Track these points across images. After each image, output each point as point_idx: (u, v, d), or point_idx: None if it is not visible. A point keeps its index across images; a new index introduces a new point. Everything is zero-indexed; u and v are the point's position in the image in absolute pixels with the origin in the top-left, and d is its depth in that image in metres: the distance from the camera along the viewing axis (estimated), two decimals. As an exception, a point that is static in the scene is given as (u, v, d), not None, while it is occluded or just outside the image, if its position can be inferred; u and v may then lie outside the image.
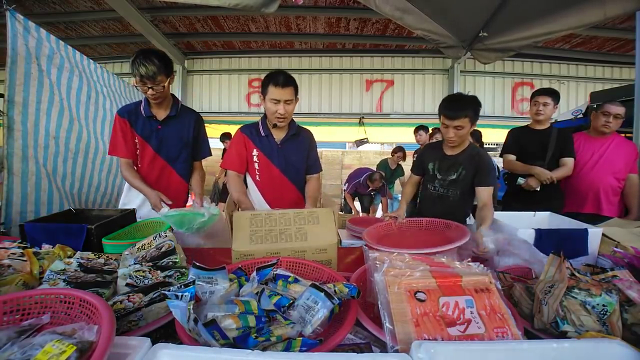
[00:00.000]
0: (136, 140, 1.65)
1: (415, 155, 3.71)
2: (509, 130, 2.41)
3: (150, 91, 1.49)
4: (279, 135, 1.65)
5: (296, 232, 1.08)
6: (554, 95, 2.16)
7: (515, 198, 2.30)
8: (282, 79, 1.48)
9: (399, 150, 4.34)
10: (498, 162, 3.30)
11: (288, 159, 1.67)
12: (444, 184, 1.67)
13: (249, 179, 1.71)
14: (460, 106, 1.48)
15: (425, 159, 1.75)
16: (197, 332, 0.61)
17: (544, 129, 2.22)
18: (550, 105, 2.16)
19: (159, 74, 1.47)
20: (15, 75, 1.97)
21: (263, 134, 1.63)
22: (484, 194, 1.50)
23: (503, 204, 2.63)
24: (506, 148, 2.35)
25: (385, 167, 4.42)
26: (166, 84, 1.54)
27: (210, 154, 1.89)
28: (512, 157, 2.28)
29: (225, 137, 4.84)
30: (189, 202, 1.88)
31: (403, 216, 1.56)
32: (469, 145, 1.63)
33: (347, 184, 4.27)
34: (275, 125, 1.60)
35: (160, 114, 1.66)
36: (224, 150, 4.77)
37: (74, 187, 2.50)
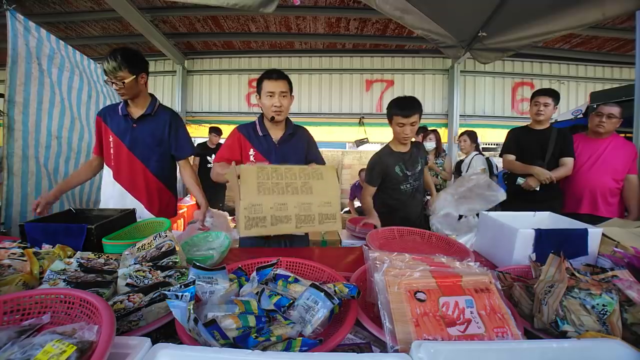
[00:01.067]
0: (110, 139, 1.67)
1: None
2: (508, 130, 2.42)
3: (114, 86, 1.56)
4: (276, 135, 1.65)
5: (302, 185, 1.11)
6: (555, 95, 2.17)
7: (514, 198, 2.30)
8: (275, 72, 1.55)
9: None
10: (498, 162, 3.30)
11: (286, 158, 1.64)
12: (415, 177, 1.88)
13: None
14: (413, 106, 1.72)
15: (387, 167, 1.85)
16: (197, 332, 0.61)
17: (543, 129, 2.22)
18: (551, 105, 2.16)
19: (119, 69, 1.51)
20: (16, 75, 1.97)
21: (261, 134, 1.63)
22: (426, 172, 1.94)
23: (502, 204, 2.63)
24: (506, 148, 2.36)
25: None
26: (128, 81, 1.55)
27: (192, 153, 1.84)
28: (512, 157, 2.29)
29: (213, 130, 4.78)
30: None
31: (379, 223, 1.70)
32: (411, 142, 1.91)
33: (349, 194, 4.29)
34: (272, 119, 1.59)
35: (136, 112, 1.68)
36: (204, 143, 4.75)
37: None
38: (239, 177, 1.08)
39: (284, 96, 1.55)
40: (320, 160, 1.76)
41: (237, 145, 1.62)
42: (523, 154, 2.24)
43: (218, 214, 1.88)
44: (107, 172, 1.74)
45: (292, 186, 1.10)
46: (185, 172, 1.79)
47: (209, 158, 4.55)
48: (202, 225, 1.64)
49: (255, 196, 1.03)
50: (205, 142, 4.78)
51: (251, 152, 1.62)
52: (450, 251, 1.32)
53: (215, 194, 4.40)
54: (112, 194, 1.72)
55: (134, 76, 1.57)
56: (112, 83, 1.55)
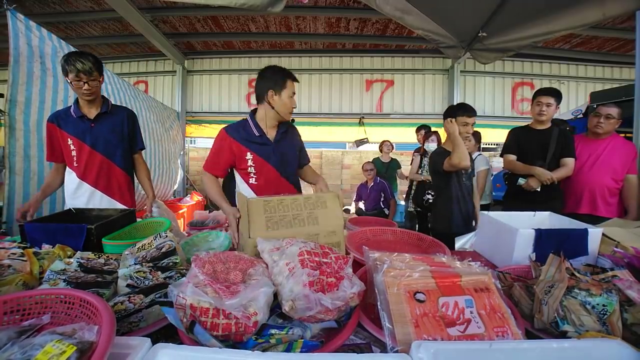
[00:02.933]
0: (70, 142, 1.70)
1: (416, 154, 3.72)
2: (509, 130, 2.41)
3: (85, 86, 1.58)
4: (271, 135, 1.59)
5: (308, 216, 1.11)
6: (557, 95, 2.16)
7: (515, 198, 2.30)
8: (293, 73, 1.53)
9: (386, 142, 4.35)
10: (498, 162, 3.29)
11: (284, 157, 1.61)
12: (468, 176, 2.07)
13: (242, 184, 1.62)
14: (473, 109, 2.01)
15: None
16: (195, 337, 0.61)
17: (545, 129, 2.21)
18: (553, 105, 2.16)
19: (95, 69, 1.59)
20: (18, 75, 1.97)
21: (257, 134, 1.54)
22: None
23: (503, 204, 2.63)
24: (507, 148, 2.35)
25: (379, 164, 4.42)
26: (99, 81, 1.65)
27: (142, 147, 1.94)
28: (513, 157, 2.28)
29: None
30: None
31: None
32: None
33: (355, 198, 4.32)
34: (293, 121, 1.64)
35: (92, 112, 1.72)
36: None
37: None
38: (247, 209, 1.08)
39: None
40: (307, 157, 1.82)
41: (227, 150, 1.54)
42: (524, 154, 2.23)
43: (161, 204, 1.98)
44: (69, 175, 1.76)
45: (298, 218, 1.09)
46: (139, 166, 1.92)
47: None
48: (150, 213, 1.78)
49: (264, 232, 1.02)
50: None
51: (248, 155, 1.54)
52: (423, 247, 1.33)
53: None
54: (79, 194, 1.74)
55: (101, 77, 1.67)
56: (85, 83, 1.57)
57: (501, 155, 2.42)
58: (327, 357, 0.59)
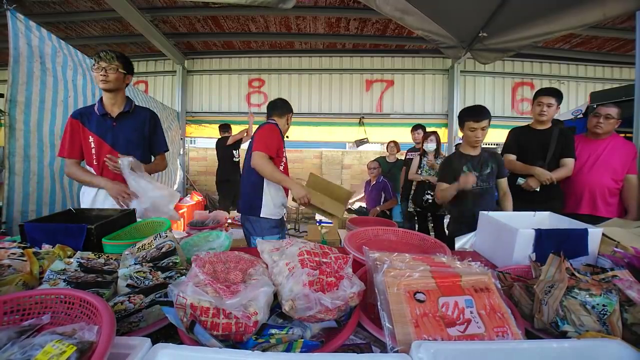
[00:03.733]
0: (91, 139, 1.69)
1: (412, 155, 3.72)
2: (509, 130, 2.41)
3: (102, 72, 1.60)
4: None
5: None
6: (558, 95, 2.16)
7: (514, 198, 2.29)
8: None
9: (391, 142, 4.39)
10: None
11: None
12: (483, 178, 1.97)
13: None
14: (482, 112, 1.88)
15: (456, 165, 2.00)
16: (195, 337, 0.61)
17: (545, 129, 2.21)
18: (554, 106, 2.16)
19: (116, 59, 1.63)
20: (18, 75, 1.97)
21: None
22: (504, 183, 2.02)
23: (503, 204, 2.63)
24: (506, 148, 2.35)
25: (384, 164, 4.43)
26: (118, 72, 1.65)
27: (167, 149, 1.93)
28: (513, 157, 2.28)
29: (224, 128, 4.87)
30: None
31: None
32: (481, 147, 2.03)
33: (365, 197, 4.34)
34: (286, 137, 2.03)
35: (115, 111, 1.72)
36: (220, 139, 4.84)
37: (82, 186, 2.51)
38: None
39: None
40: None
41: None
42: (524, 154, 2.23)
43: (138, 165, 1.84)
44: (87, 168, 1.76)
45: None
46: (157, 165, 1.89)
47: (234, 152, 4.71)
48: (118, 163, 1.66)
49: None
50: (227, 137, 4.78)
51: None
52: (425, 247, 1.32)
53: (234, 192, 4.46)
54: (97, 192, 1.72)
55: (124, 72, 1.68)
56: (103, 69, 1.60)
57: (501, 155, 2.42)
58: (327, 357, 0.59)
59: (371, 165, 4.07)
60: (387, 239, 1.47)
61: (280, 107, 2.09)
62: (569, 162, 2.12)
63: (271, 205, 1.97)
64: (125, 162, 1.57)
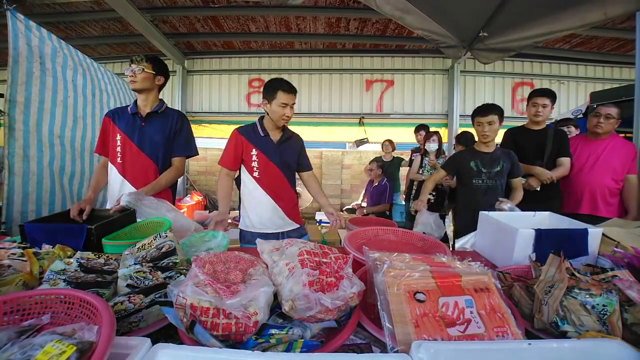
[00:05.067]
0: (118, 137, 1.73)
1: (415, 155, 3.72)
2: (505, 130, 2.41)
3: (130, 73, 1.67)
4: (275, 137, 1.80)
5: None
6: (552, 96, 2.18)
7: (515, 198, 2.30)
8: (288, 85, 1.69)
9: (386, 141, 4.38)
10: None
11: (284, 158, 1.80)
12: (490, 176, 1.98)
13: (246, 176, 1.81)
14: (488, 107, 1.92)
15: (463, 159, 2.05)
16: (195, 337, 0.61)
17: (540, 129, 2.23)
18: (549, 106, 2.17)
19: (144, 60, 1.69)
20: (18, 75, 1.96)
21: (262, 135, 1.76)
22: (517, 183, 2.04)
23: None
24: (505, 147, 2.35)
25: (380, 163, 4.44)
26: (146, 72, 1.69)
27: (190, 153, 1.87)
28: None
29: None
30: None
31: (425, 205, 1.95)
32: (497, 146, 2.04)
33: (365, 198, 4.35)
34: (283, 127, 1.81)
35: (145, 110, 1.77)
36: None
37: (82, 186, 2.52)
38: None
39: (291, 107, 1.71)
40: (309, 164, 1.96)
41: (239, 147, 1.75)
42: (521, 154, 2.23)
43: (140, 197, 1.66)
44: (112, 170, 1.77)
45: None
46: (171, 168, 1.80)
47: None
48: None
49: None
50: None
51: (253, 152, 1.75)
52: (425, 247, 1.33)
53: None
54: (120, 190, 1.71)
55: (154, 73, 1.73)
56: (131, 70, 1.67)
57: None
58: (327, 357, 0.59)
59: (368, 167, 4.12)
60: (387, 239, 1.47)
61: (267, 89, 1.72)
62: (566, 161, 2.14)
63: (247, 219, 1.83)
64: (125, 199, 1.45)
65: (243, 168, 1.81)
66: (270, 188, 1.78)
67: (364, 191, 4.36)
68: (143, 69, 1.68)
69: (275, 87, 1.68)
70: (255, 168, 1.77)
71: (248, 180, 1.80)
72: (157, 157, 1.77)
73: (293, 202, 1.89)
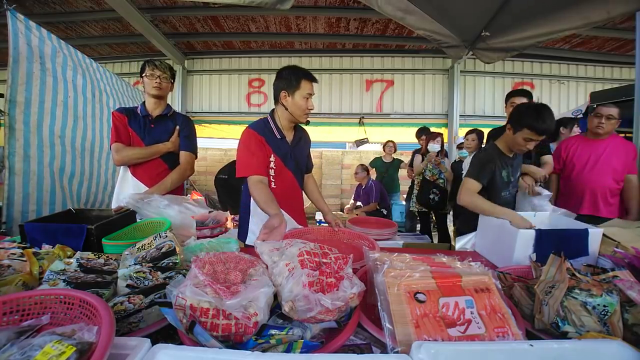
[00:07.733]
0: (130, 137, 1.78)
1: (415, 155, 3.72)
2: (488, 131, 2.41)
3: (156, 80, 1.74)
4: (289, 137, 1.56)
5: None
6: (529, 96, 2.20)
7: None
8: (310, 73, 1.46)
9: (389, 142, 4.42)
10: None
11: (297, 161, 1.60)
12: (515, 184, 1.75)
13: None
14: (550, 126, 1.47)
15: (496, 168, 1.62)
16: (195, 338, 0.61)
17: None
18: None
19: (168, 70, 1.81)
20: (18, 75, 1.96)
21: (278, 137, 1.51)
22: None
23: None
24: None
25: (380, 164, 4.45)
26: (169, 80, 1.81)
27: (190, 151, 1.88)
28: None
29: None
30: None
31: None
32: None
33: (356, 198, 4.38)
34: (307, 123, 1.54)
35: (155, 112, 1.83)
36: None
37: (82, 186, 2.52)
38: None
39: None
40: (311, 164, 1.78)
41: (262, 149, 1.46)
42: None
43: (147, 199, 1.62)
44: (123, 169, 1.81)
45: None
46: (178, 166, 1.81)
47: None
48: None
49: None
50: None
51: (272, 158, 1.49)
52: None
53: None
54: (133, 190, 1.72)
55: (172, 82, 1.86)
56: (157, 77, 1.74)
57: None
58: (327, 357, 0.59)
59: (356, 170, 4.22)
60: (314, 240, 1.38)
61: (275, 89, 1.49)
62: (550, 159, 2.17)
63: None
64: (125, 199, 1.42)
65: None
66: (284, 198, 1.48)
67: (354, 195, 4.42)
68: (167, 78, 1.78)
69: (297, 76, 1.42)
70: (272, 177, 1.51)
71: None
72: (167, 157, 1.82)
73: (301, 208, 1.72)
